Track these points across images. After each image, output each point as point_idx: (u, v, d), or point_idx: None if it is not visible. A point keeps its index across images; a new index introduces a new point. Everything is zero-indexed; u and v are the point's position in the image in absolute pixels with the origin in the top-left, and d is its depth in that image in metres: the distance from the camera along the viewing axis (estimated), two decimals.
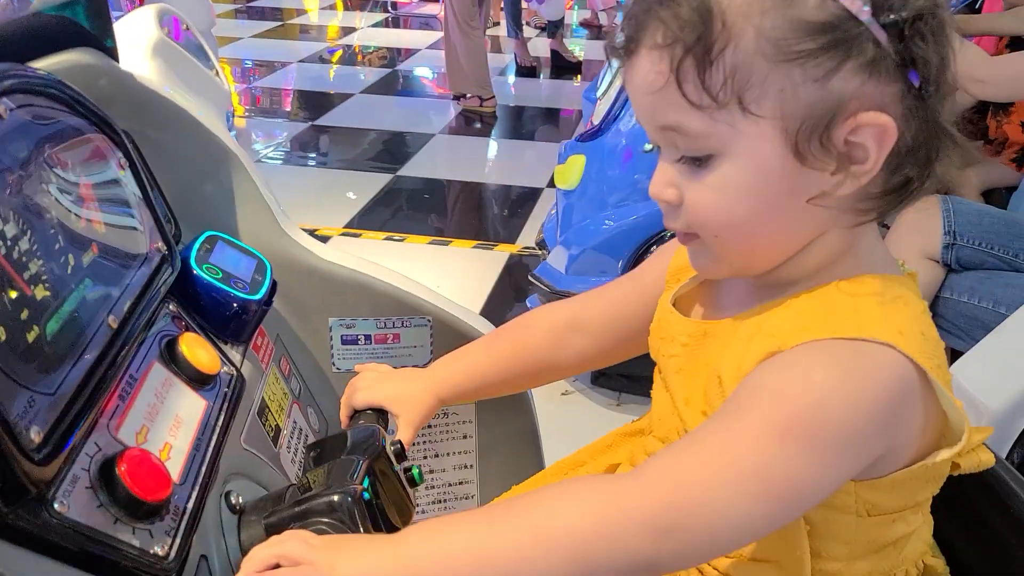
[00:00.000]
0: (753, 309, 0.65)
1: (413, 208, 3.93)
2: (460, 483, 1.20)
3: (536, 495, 0.59)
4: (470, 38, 4.71)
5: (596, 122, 2.29)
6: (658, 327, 0.76)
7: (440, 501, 1.20)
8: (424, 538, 0.57)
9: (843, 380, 0.55)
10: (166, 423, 0.71)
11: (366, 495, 0.68)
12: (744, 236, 0.62)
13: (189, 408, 0.76)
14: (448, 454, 1.18)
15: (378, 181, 4.01)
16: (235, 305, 0.89)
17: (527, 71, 5.89)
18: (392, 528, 0.77)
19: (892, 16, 0.53)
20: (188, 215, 0.98)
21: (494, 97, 4.94)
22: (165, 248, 0.84)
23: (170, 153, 0.95)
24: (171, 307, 0.84)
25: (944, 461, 0.60)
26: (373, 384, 0.86)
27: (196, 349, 0.80)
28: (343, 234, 3.42)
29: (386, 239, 3.40)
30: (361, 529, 0.66)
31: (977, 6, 3.12)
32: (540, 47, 6.23)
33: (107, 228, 0.76)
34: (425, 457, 1.18)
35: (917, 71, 0.55)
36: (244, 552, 0.74)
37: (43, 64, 0.78)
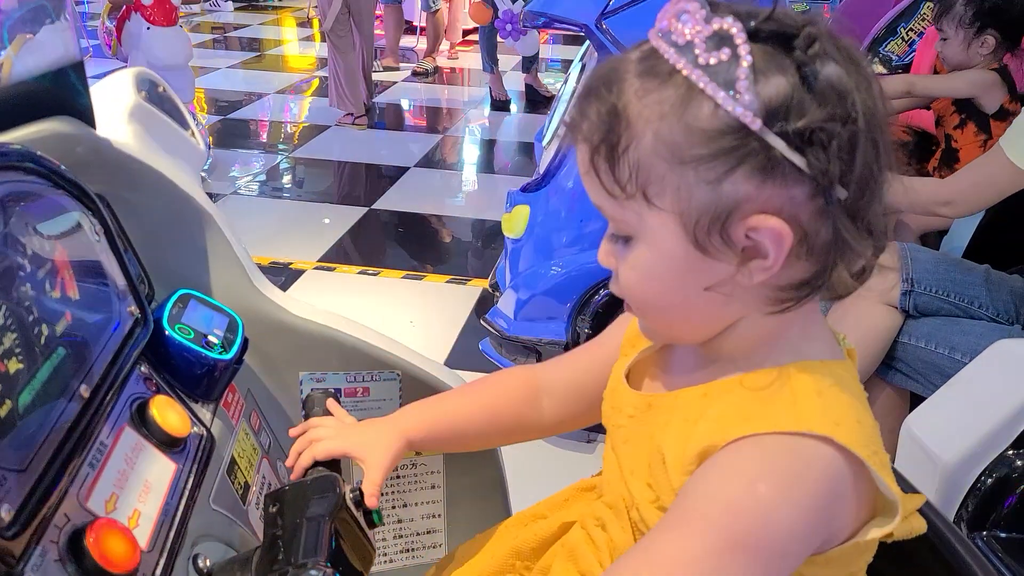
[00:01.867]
0: (697, 387, 0.67)
1: (387, 242, 3.96)
2: (428, 532, 1.22)
3: None
4: (342, 54, 4.90)
5: (541, 171, 2.35)
6: (610, 395, 0.79)
7: (409, 550, 1.22)
8: None
9: (785, 489, 0.58)
10: (135, 489, 0.73)
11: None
12: (658, 311, 0.66)
13: (159, 472, 0.77)
14: (416, 504, 1.20)
15: (353, 214, 4.03)
16: (207, 365, 0.91)
17: (501, 105, 5.96)
18: (356, 574, 0.79)
19: (786, 126, 0.55)
20: (162, 273, 1.00)
21: (365, 116, 5.21)
22: (138, 311, 0.86)
23: (144, 214, 0.97)
24: (143, 368, 0.86)
25: (878, 537, 0.63)
26: (338, 433, 0.86)
27: (167, 412, 0.81)
28: (317, 267, 3.43)
29: (360, 273, 3.42)
30: None
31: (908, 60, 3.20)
32: (515, 81, 6.31)
33: (81, 295, 0.78)
34: (394, 507, 1.19)
35: (817, 179, 0.57)
36: None
37: (20, 134, 0.80)
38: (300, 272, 3.38)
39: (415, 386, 1.12)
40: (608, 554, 0.76)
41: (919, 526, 0.68)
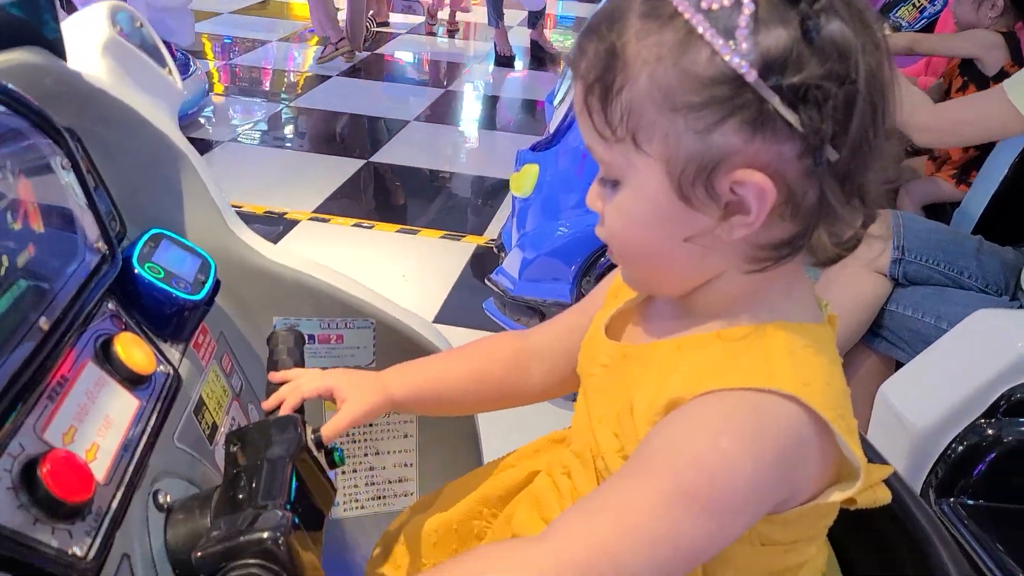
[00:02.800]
0: (672, 339, 0.67)
1: (383, 195, 3.94)
2: (400, 480, 1.23)
3: (459, 567, 0.61)
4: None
5: (552, 130, 2.33)
6: (587, 344, 0.79)
7: (380, 497, 1.23)
8: None
9: (748, 445, 0.58)
10: (95, 423, 0.73)
11: (295, 519, 0.69)
12: (639, 259, 0.67)
13: (121, 408, 0.77)
14: (389, 452, 1.21)
15: (350, 166, 4.01)
16: (176, 305, 0.91)
17: (505, 61, 5.89)
18: (318, 514, 0.80)
19: (782, 80, 0.54)
20: (135, 213, 0.99)
21: (344, 39, 5.33)
22: (106, 247, 0.85)
23: (118, 151, 0.96)
24: (110, 306, 0.85)
25: (838, 501, 0.63)
26: (326, 373, 0.86)
27: (131, 349, 0.81)
28: (312, 219, 3.43)
29: (354, 226, 3.41)
30: (291, 568, 0.67)
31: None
32: (521, 37, 6.23)
33: (46, 229, 0.77)
34: (366, 454, 1.20)
35: (808, 138, 0.56)
36: (169, 550, 0.76)
37: None
38: (295, 223, 3.37)
39: (390, 335, 1.12)
40: (572, 501, 0.76)
41: (883, 496, 0.68)
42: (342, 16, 5.46)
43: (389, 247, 3.28)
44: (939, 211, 2.37)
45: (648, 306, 0.75)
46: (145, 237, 0.94)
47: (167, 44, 3.98)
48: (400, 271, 3.09)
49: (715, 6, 0.55)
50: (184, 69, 4.08)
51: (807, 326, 0.64)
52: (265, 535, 0.66)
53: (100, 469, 0.70)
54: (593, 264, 2.19)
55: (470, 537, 0.87)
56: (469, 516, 0.89)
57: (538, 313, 2.29)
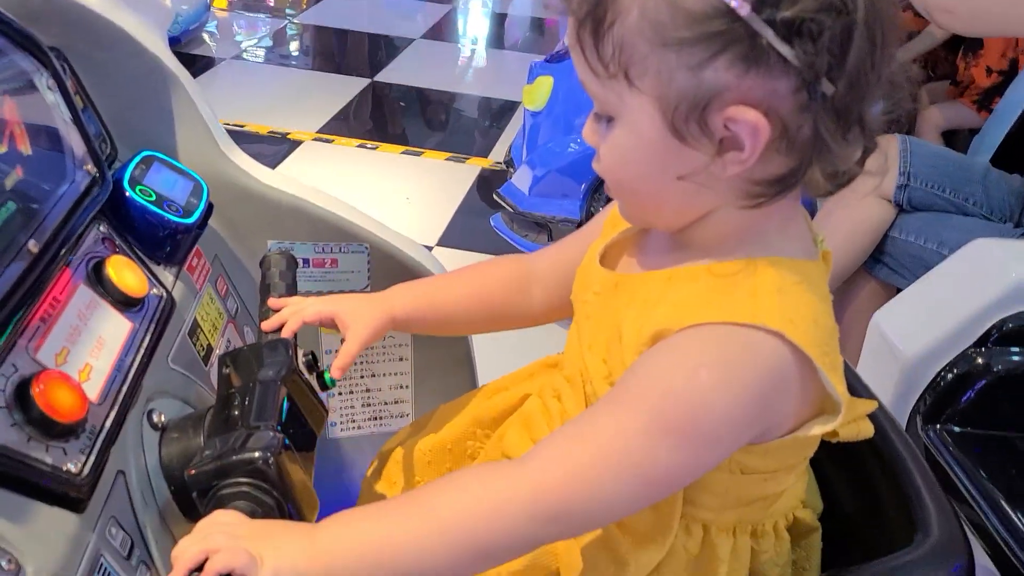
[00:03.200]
0: (664, 270, 0.67)
1: (388, 115, 3.90)
2: (396, 402, 1.25)
3: (439, 488, 0.63)
4: None
5: (567, 42, 2.28)
6: (582, 272, 0.80)
7: (376, 418, 1.25)
8: (338, 533, 0.61)
9: (727, 378, 0.59)
10: (88, 345, 0.74)
11: (286, 441, 0.71)
12: (633, 195, 0.67)
13: (113, 330, 0.79)
14: (385, 374, 1.23)
15: (355, 85, 3.96)
16: (168, 228, 0.91)
17: None
18: (310, 434, 0.81)
19: (776, 14, 0.53)
20: (126, 134, 0.99)
21: None
22: (95, 170, 0.85)
23: (107, 72, 0.95)
24: (102, 228, 0.86)
25: (819, 434, 0.64)
26: (327, 299, 0.87)
27: (123, 271, 0.82)
28: (316, 139, 3.40)
29: (359, 146, 3.39)
30: (280, 487, 0.68)
31: None
32: None
33: (33, 151, 0.77)
34: (362, 376, 1.22)
35: (802, 72, 0.54)
36: (164, 467, 0.78)
37: None
38: (298, 143, 3.35)
39: (384, 260, 1.13)
40: (560, 423, 0.78)
41: (866, 430, 0.70)
42: None
43: (393, 168, 3.26)
44: (956, 137, 2.34)
45: (644, 237, 0.75)
46: (136, 159, 0.93)
47: None
48: (404, 193, 3.08)
49: None
50: None
51: (799, 262, 0.64)
52: (256, 455, 0.68)
53: (93, 389, 0.72)
54: (603, 182, 2.17)
55: (464, 457, 0.89)
56: (463, 437, 0.91)
57: (546, 229, 2.27)
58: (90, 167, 0.84)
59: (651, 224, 0.71)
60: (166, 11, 1.05)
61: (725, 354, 0.59)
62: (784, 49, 0.54)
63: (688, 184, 0.61)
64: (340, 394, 1.23)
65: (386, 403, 1.24)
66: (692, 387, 0.59)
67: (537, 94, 2.25)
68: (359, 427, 1.25)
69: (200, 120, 1.03)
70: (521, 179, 2.30)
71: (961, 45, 2.42)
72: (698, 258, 0.65)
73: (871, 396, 0.74)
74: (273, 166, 3.16)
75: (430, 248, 2.71)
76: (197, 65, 3.95)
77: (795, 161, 0.59)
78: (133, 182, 0.91)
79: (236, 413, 0.76)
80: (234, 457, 0.69)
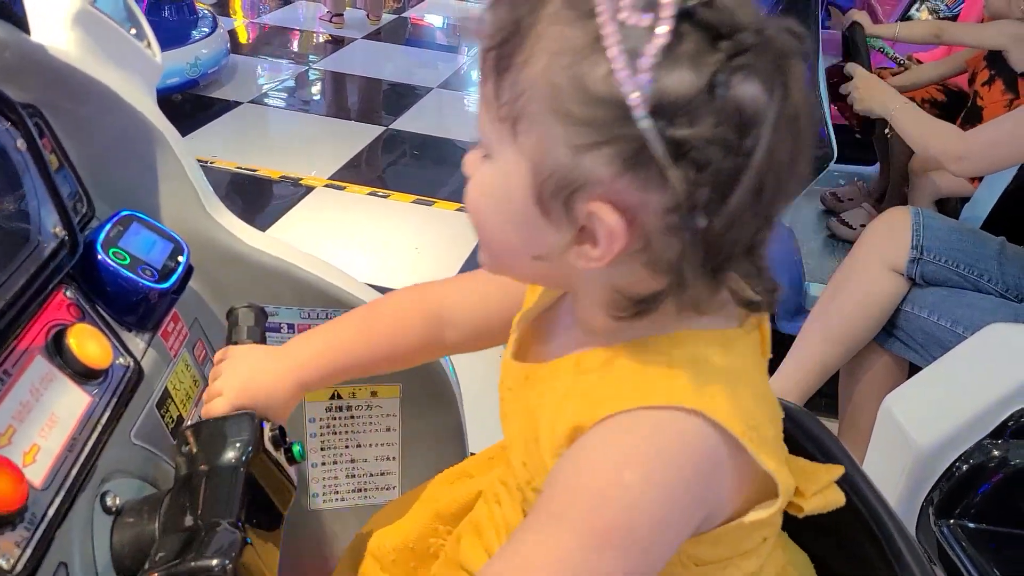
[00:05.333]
0: (571, 355, 0.63)
1: (401, 163, 3.90)
2: (382, 474, 1.19)
3: None
4: None
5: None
6: (503, 365, 0.74)
7: (361, 490, 1.20)
8: None
9: (653, 473, 0.54)
10: (38, 423, 0.70)
11: (247, 539, 0.67)
12: (487, 244, 0.62)
13: (70, 405, 0.74)
14: (371, 445, 1.17)
15: (370, 132, 3.97)
16: (139, 293, 0.87)
17: None
18: (276, 514, 0.77)
19: (668, 128, 0.49)
20: (107, 193, 0.96)
21: (342, 15, 5.31)
22: (65, 232, 0.82)
23: (88, 128, 0.92)
24: (68, 294, 0.82)
25: (764, 518, 0.60)
26: (230, 385, 0.78)
27: (86, 341, 0.78)
28: (327, 185, 3.39)
29: (370, 194, 3.37)
30: None
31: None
32: None
33: None
34: (347, 446, 1.17)
35: (679, 196, 0.50)
36: (115, 556, 0.73)
37: None
38: (310, 188, 3.34)
39: None
40: (505, 532, 0.73)
41: (836, 499, 0.65)
42: None
43: (403, 217, 3.24)
44: (946, 205, 2.30)
45: (551, 320, 0.71)
46: (113, 219, 0.90)
47: (190, 1, 3.90)
48: (413, 243, 3.05)
49: (631, 20, 0.49)
50: (207, 27, 4.05)
51: (716, 332, 0.59)
52: (213, 563, 0.64)
53: (39, 473, 0.67)
54: None
55: (427, 556, 0.85)
56: (425, 533, 0.86)
57: None
58: (58, 230, 0.81)
59: (509, 276, 0.67)
60: (155, 66, 1.03)
61: (644, 448, 0.55)
62: (667, 166, 0.49)
63: (541, 264, 0.58)
64: (323, 464, 1.18)
65: (372, 475, 1.19)
66: (619, 493, 0.54)
67: None
68: (342, 499, 1.19)
69: (185, 179, 0.99)
70: None
71: (959, 114, 2.39)
72: (600, 337, 0.61)
73: (834, 460, 0.70)
74: (284, 211, 3.16)
75: None
76: (214, 108, 3.97)
77: (660, 284, 0.55)
78: (107, 244, 0.87)
79: (193, 502, 0.71)
80: (192, 564, 0.64)
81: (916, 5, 3.44)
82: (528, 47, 0.53)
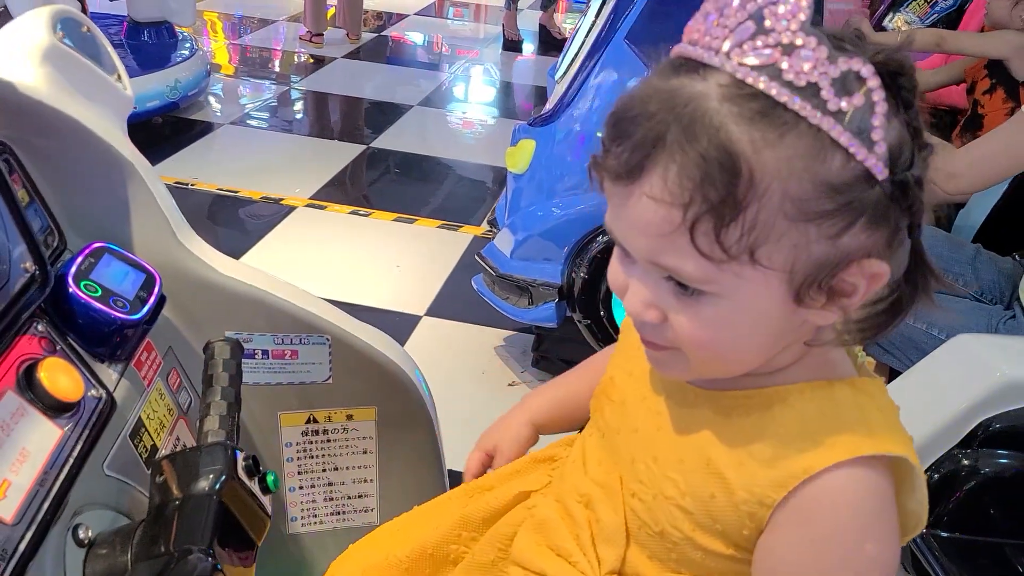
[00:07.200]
0: (760, 390, 0.65)
1: (382, 182, 3.91)
2: (359, 496, 1.20)
3: None
4: None
5: (550, 105, 2.27)
6: (617, 383, 0.77)
7: (339, 513, 1.20)
8: None
9: (887, 538, 0.61)
10: (8, 459, 0.71)
11: (217, 565, 0.68)
12: (718, 357, 0.62)
13: (40, 439, 0.75)
14: (348, 468, 1.18)
15: (350, 151, 3.98)
16: (111, 324, 0.88)
17: (513, 45, 5.82)
18: (250, 543, 0.77)
19: (906, 174, 0.54)
20: (79, 225, 0.97)
21: (322, 35, 5.25)
22: (35, 267, 0.82)
23: (59, 162, 0.93)
24: (40, 328, 0.83)
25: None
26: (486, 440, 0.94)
27: (57, 375, 0.78)
28: (308, 205, 3.40)
29: (351, 213, 3.38)
30: None
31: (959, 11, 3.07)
32: (530, 20, 6.15)
33: None
34: (324, 470, 1.17)
35: (912, 217, 0.56)
36: None
37: None
38: (291, 208, 3.34)
39: (346, 351, 1.09)
40: (589, 533, 0.75)
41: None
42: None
43: (385, 235, 3.25)
44: (940, 215, 2.32)
45: None
46: (85, 252, 0.91)
47: (169, 24, 3.92)
48: (395, 261, 3.06)
49: (845, 106, 0.52)
50: (187, 50, 4.05)
51: (863, 379, 0.65)
52: None
53: (9, 508, 0.68)
54: (586, 246, 2.15)
55: (445, 562, 0.86)
56: (446, 540, 0.87)
57: (527, 293, 2.24)
58: (28, 264, 0.82)
59: (718, 375, 0.66)
60: (126, 99, 1.03)
61: (874, 511, 0.60)
62: (904, 204, 0.55)
63: (784, 338, 0.62)
64: (301, 488, 1.18)
65: (349, 497, 1.20)
66: (864, 566, 0.61)
67: (519, 157, 2.24)
68: (321, 522, 1.20)
69: (157, 209, 1.00)
70: (503, 241, 2.28)
71: (956, 124, 2.42)
72: (767, 378, 0.64)
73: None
74: (265, 232, 3.16)
75: (419, 317, 2.68)
76: (195, 130, 3.97)
77: (892, 298, 0.60)
78: (79, 277, 0.88)
79: (166, 531, 0.72)
80: None
81: (889, 16, 3.48)
82: (754, 185, 0.52)
